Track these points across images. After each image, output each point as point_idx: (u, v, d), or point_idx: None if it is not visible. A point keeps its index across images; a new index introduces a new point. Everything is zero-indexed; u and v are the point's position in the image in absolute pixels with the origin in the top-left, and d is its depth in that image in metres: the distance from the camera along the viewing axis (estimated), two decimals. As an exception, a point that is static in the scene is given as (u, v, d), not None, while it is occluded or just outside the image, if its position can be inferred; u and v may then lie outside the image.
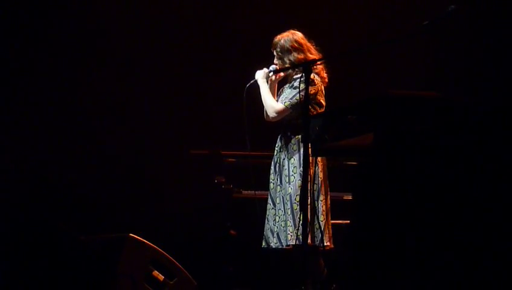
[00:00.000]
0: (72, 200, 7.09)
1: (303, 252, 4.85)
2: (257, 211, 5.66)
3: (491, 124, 3.53)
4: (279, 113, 5.58)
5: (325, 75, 5.63)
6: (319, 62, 5.49)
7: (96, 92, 7.33)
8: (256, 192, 5.93)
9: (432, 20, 4.07)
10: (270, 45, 5.69)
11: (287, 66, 5.58)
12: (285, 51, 5.60)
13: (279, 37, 5.66)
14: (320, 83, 5.57)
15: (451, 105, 3.72)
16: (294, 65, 5.50)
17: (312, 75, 5.48)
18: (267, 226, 5.65)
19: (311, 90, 5.47)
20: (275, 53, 5.67)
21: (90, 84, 7.33)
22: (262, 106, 5.72)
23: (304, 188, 4.60)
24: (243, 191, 6.30)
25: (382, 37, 6.45)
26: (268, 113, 5.62)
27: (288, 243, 5.42)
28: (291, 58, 5.56)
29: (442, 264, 3.53)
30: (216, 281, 6.51)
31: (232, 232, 6.24)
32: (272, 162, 5.69)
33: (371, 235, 3.83)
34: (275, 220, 5.59)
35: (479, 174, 3.48)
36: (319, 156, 5.31)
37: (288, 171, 5.54)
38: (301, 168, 5.46)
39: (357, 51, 5.79)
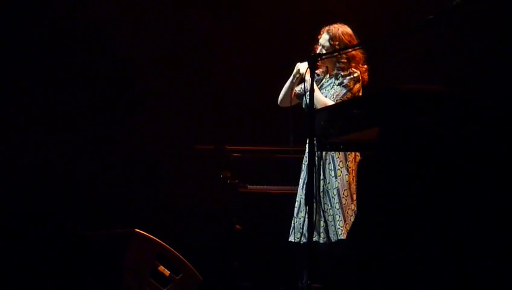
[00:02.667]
0: (78, 196, 7.10)
1: (311, 248, 4.85)
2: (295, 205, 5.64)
3: (498, 119, 3.53)
4: None
5: (366, 76, 5.65)
6: (333, 55, 5.50)
7: (101, 87, 7.34)
8: (265, 187, 5.94)
9: (437, 14, 4.07)
10: (273, 38, 5.67)
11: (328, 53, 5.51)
12: (343, 44, 5.58)
13: (335, 27, 5.64)
14: (361, 80, 5.62)
15: (458, 99, 3.72)
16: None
17: (358, 73, 5.57)
18: (301, 221, 5.56)
19: (358, 87, 5.58)
20: (328, 44, 5.61)
21: (96, 79, 7.33)
22: (273, 93, 5.71)
23: (310, 183, 4.60)
24: (249, 186, 6.30)
25: (388, 31, 6.44)
26: None
27: (339, 238, 5.41)
28: (346, 52, 5.54)
29: (448, 258, 3.53)
30: (221, 276, 6.52)
31: (237, 227, 6.25)
32: (307, 156, 5.64)
33: (376, 230, 3.83)
34: (317, 214, 5.54)
35: (487, 168, 3.48)
36: (324, 150, 5.31)
37: (334, 166, 5.52)
38: (348, 163, 5.50)
39: (363, 45, 5.78)
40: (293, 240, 5.61)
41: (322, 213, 5.49)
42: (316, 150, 4.80)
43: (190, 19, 7.42)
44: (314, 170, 4.69)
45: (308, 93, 5.44)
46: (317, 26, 5.77)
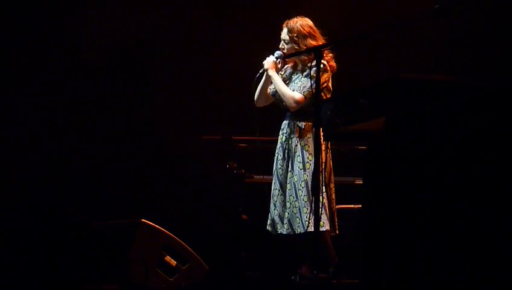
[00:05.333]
0: (85, 186, 7.11)
1: (317, 238, 4.84)
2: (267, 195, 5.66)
3: (502, 107, 3.52)
4: (299, 103, 5.51)
5: (334, 63, 5.59)
6: (329, 47, 5.45)
7: (110, 78, 7.35)
8: (265, 176, 5.94)
9: (443, 3, 4.05)
10: (279, 30, 5.66)
11: (297, 51, 5.51)
12: (302, 36, 5.54)
13: (293, 21, 5.60)
14: (329, 69, 5.55)
15: (463, 88, 3.71)
16: (307, 50, 5.44)
17: (324, 63, 5.47)
18: (275, 212, 5.60)
19: (325, 76, 5.48)
20: (287, 38, 5.60)
21: (104, 70, 7.34)
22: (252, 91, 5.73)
23: (316, 174, 4.58)
24: (255, 176, 6.30)
25: (393, 21, 6.42)
26: (288, 104, 5.55)
27: (306, 230, 5.38)
28: (307, 43, 5.51)
29: (453, 247, 3.53)
30: (228, 266, 6.52)
31: (243, 216, 6.25)
32: (279, 148, 5.63)
33: (382, 219, 3.83)
34: (284, 206, 5.55)
35: (492, 156, 3.47)
36: (331, 140, 5.29)
37: (303, 158, 5.49)
38: None
39: (368, 35, 5.76)
40: (269, 229, 5.63)
41: (287, 205, 5.49)
42: (322, 140, 4.80)
43: (199, 15, 7.43)
44: (320, 161, 4.67)
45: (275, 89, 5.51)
46: (316, 24, 5.75)
